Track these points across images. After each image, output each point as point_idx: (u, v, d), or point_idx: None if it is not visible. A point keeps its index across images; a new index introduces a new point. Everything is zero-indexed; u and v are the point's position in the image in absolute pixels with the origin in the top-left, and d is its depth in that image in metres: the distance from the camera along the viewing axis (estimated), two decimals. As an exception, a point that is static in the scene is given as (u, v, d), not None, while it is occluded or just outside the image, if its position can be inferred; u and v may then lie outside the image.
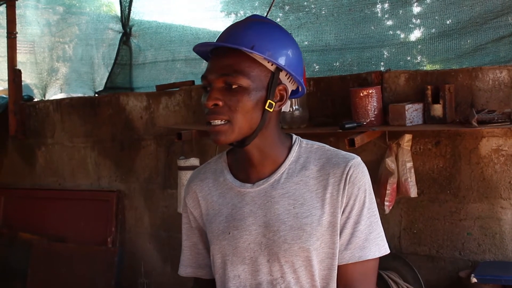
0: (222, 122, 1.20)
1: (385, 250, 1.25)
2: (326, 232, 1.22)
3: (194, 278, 1.41)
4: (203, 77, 1.23)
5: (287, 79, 1.25)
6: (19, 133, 3.96)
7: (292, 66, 1.24)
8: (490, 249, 2.45)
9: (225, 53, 1.21)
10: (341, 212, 1.23)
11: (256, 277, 1.24)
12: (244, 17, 4.27)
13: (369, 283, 1.24)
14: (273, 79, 1.22)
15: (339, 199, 1.22)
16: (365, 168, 1.26)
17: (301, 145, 1.30)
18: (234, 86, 1.20)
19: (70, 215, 3.78)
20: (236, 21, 4.01)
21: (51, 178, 3.95)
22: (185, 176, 2.81)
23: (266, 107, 1.22)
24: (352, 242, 1.22)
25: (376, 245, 1.24)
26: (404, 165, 2.46)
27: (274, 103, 1.23)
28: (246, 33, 1.23)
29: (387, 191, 2.44)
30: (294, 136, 1.32)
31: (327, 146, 1.30)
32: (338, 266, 1.23)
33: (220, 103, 1.20)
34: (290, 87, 1.27)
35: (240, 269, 1.25)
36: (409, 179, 2.46)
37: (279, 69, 1.23)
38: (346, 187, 1.22)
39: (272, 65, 1.22)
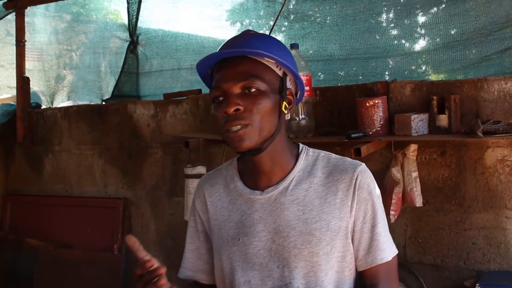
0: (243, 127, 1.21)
1: (394, 250, 1.31)
2: (336, 237, 1.24)
3: (193, 281, 1.43)
4: (215, 88, 1.25)
5: (290, 84, 1.30)
6: (26, 140, 3.99)
7: (295, 70, 1.29)
8: (495, 258, 2.46)
9: (237, 61, 1.23)
10: (353, 217, 1.26)
11: (266, 283, 1.26)
12: (249, 27, 4.27)
13: (394, 281, 1.29)
14: (283, 82, 1.27)
15: (348, 204, 1.25)
16: (371, 173, 1.30)
17: (308, 153, 1.33)
18: (252, 90, 1.22)
19: (76, 222, 3.80)
20: (241, 30, 4.03)
21: (58, 185, 3.97)
22: (192, 184, 2.83)
23: (282, 109, 1.25)
24: (373, 245, 1.26)
25: (391, 244, 1.30)
26: (409, 174, 2.48)
27: (287, 106, 1.27)
28: (252, 43, 1.26)
29: (392, 201, 2.46)
30: (301, 145, 1.36)
31: (333, 154, 1.34)
32: (363, 271, 1.28)
33: (241, 107, 1.21)
34: (294, 91, 1.32)
35: (251, 275, 1.27)
36: (414, 189, 2.47)
37: (285, 74, 1.28)
38: (356, 193, 1.25)
39: (280, 69, 1.27)
